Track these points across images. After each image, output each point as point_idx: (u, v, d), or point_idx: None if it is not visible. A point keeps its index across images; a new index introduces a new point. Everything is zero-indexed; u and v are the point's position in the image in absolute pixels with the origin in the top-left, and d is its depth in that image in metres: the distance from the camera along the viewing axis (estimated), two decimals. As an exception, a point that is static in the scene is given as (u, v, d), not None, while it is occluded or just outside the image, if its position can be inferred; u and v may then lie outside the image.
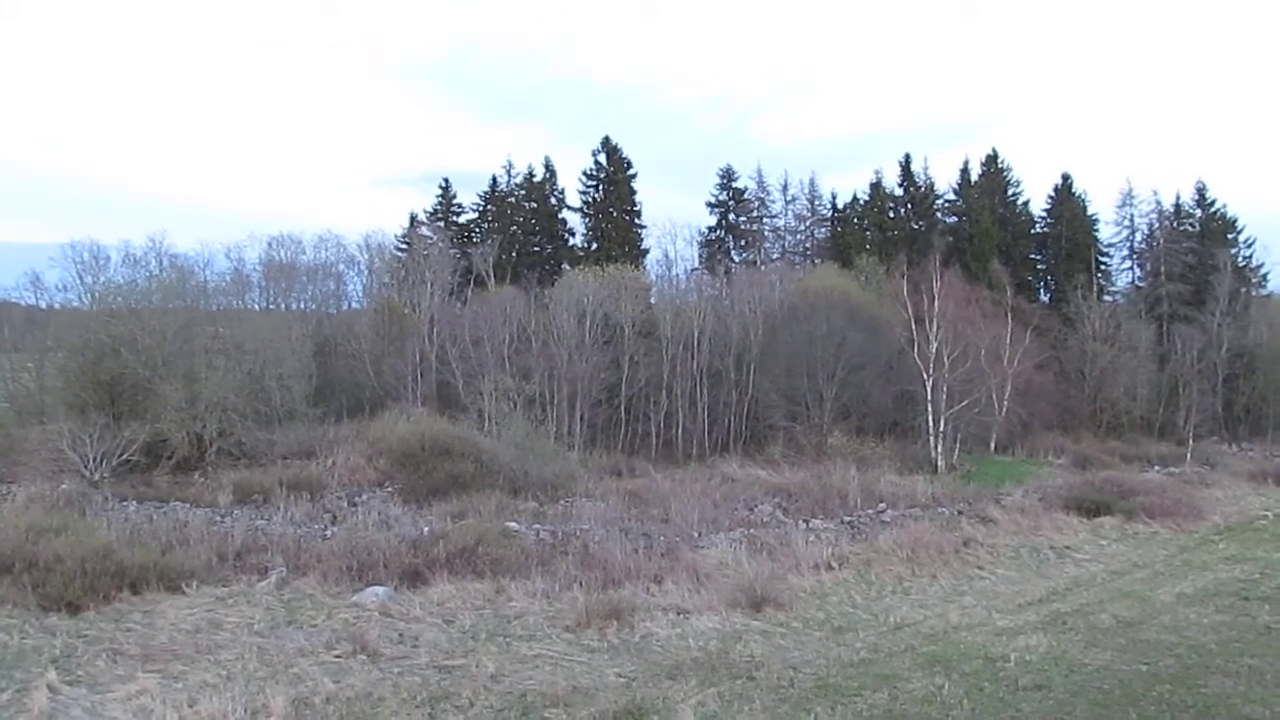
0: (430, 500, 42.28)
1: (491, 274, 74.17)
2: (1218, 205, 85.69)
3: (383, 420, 53.65)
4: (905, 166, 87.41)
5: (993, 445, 64.87)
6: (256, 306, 73.65)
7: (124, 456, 44.55)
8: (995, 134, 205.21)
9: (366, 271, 78.48)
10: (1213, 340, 74.77)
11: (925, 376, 60.39)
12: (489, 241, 77.69)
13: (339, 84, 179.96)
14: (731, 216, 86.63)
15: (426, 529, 34.39)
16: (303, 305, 74.02)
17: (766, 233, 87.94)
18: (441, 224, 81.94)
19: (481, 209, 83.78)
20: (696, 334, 66.99)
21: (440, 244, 75.68)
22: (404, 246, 78.25)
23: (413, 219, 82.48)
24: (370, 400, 62.43)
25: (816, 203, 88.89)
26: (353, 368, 65.53)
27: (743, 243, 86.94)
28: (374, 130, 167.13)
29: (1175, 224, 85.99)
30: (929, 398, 60.29)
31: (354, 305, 77.83)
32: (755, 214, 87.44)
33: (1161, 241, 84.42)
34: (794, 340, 63.98)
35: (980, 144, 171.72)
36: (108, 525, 33.10)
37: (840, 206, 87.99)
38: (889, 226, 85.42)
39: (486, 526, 33.57)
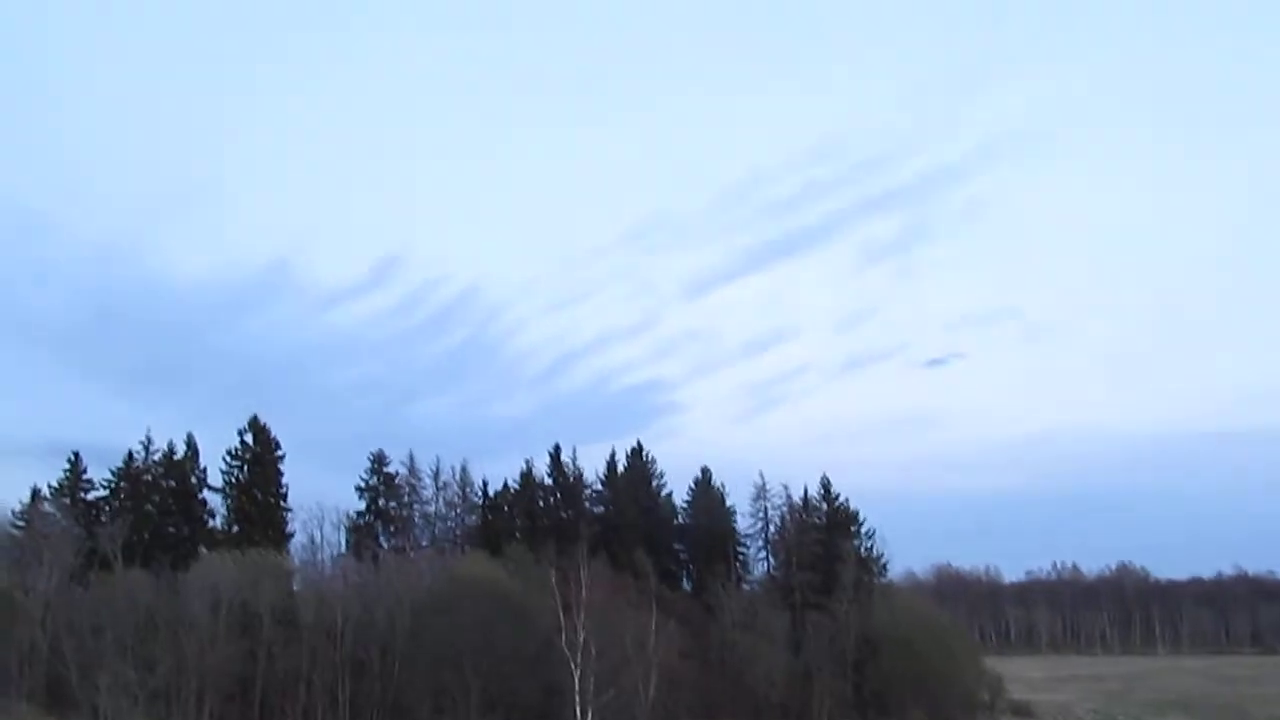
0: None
1: (119, 555, 68.96)
2: (841, 499, 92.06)
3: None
4: (555, 456, 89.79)
5: (640, 735, 64.63)
6: None
7: None
8: (641, 428, 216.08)
9: (-24, 550, 71.43)
10: (841, 627, 78.84)
11: (573, 666, 60.06)
12: (119, 521, 72.63)
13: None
14: (382, 501, 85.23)
15: None
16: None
17: (417, 519, 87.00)
18: (68, 500, 76.03)
19: (114, 486, 78.46)
20: (341, 623, 64.48)
21: (64, 522, 70.43)
22: (21, 524, 71.93)
23: (34, 493, 76.00)
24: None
25: (468, 489, 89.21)
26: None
27: (392, 528, 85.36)
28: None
29: (804, 516, 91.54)
30: (576, 688, 59.78)
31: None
32: (406, 499, 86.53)
33: (792, 532, 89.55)
34: (441, 630, 62.65)
35: (627, 438, 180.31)
36: None
37: (492, 494, 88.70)
38: (539, 515, 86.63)
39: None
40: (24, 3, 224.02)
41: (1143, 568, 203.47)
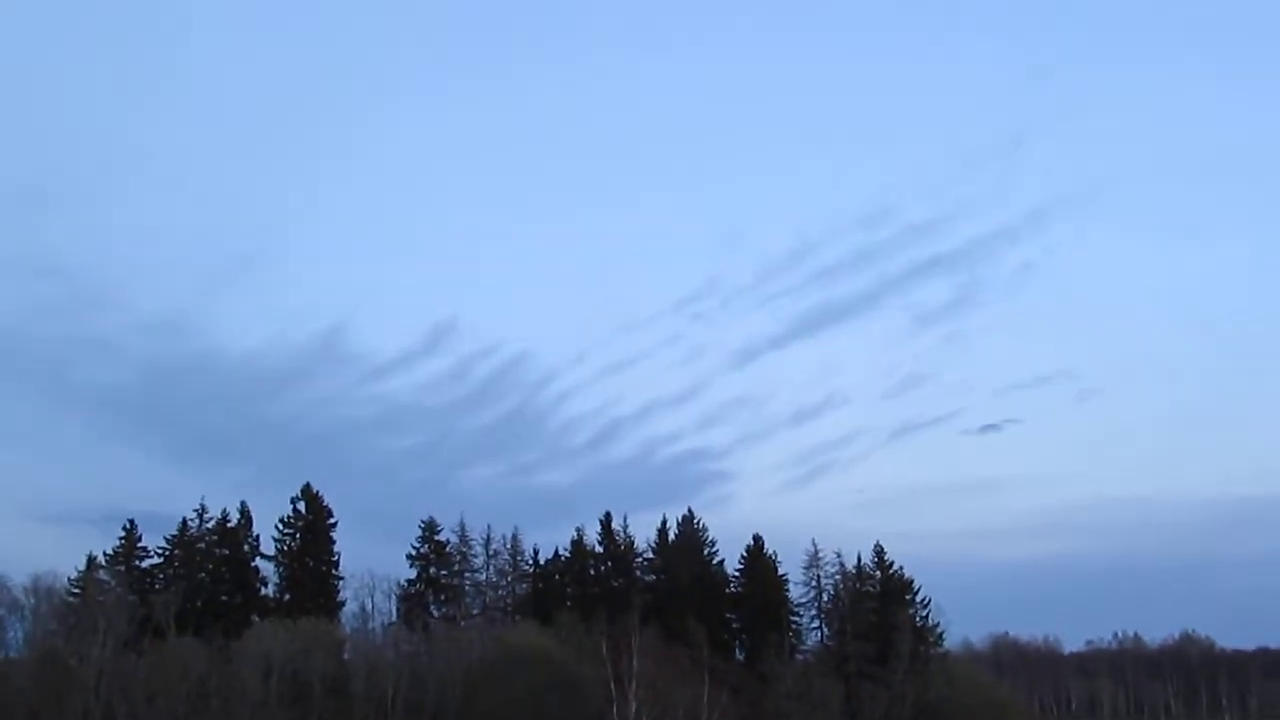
0: None
1: (173, 623, 69.51)
2: (895, 567, 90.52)
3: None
4: (606, 524, 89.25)
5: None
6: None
7: None
8: (690, 496, 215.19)
9: (31, 617, 72.19)
10: (896, 698, 77.37)
11: (625, 737, 59.32)
12: (173, 589, 73.30)
13: (15, 408, 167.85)
14: (432, 570, 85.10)
15: None
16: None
17: (468, 587, 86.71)
18: (122, 568, 76.66)
19: (168, 553, 79.01)
20: (391, 693, 64.45)
21: (118, 590, 71.02)
22: (76, 591, 72.68)
23: (90, 561, 76.71)
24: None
25: (519, 558, 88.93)
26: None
27: (443, 597, 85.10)
28: (52, 462, 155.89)
29: (858, 584, 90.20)
30: (629, 760, 59.01)
31: (13, 654, 71.21)
32: (457, 568, 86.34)
33: (846, 601, 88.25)
34: (493, 700, 62.29)
35: (676, 506, 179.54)
36: None
37: (542, 562, 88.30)
38: (589, 583, 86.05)
39: None
40: (84, 78, 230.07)
41: (1207, 637, 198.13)
